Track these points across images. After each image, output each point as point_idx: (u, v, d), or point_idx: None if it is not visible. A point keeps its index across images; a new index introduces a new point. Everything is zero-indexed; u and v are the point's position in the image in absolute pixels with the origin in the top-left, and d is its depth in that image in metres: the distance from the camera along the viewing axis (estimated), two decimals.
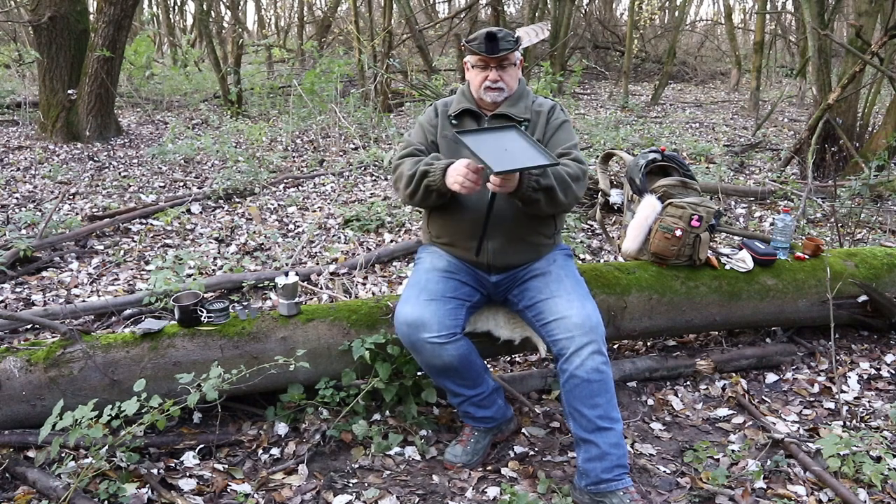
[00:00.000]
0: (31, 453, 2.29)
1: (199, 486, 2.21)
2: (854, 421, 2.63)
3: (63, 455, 2.28)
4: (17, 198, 5.46)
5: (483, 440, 2.39)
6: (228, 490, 2.21)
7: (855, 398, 2.80)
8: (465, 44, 2.28)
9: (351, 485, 2.25)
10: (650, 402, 2.78)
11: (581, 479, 2.13)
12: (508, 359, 3.06)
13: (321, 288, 3.72)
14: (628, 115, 10.27)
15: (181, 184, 6.09)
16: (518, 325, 2.48)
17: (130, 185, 5.94)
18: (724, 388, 2.85)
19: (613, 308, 2.70)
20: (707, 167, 6.65)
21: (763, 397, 2.82)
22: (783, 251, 3.05)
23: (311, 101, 8.29)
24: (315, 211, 5.26)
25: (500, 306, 2.48)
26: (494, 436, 2.44)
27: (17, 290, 3.71)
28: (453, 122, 2.36)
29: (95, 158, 6.98)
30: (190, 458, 2.34)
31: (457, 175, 2.09)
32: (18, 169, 6.38)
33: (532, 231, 2.33)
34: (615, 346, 3.14)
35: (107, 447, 2.15)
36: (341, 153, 7.30)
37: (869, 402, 2.77)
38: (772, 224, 4.42)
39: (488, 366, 2.91)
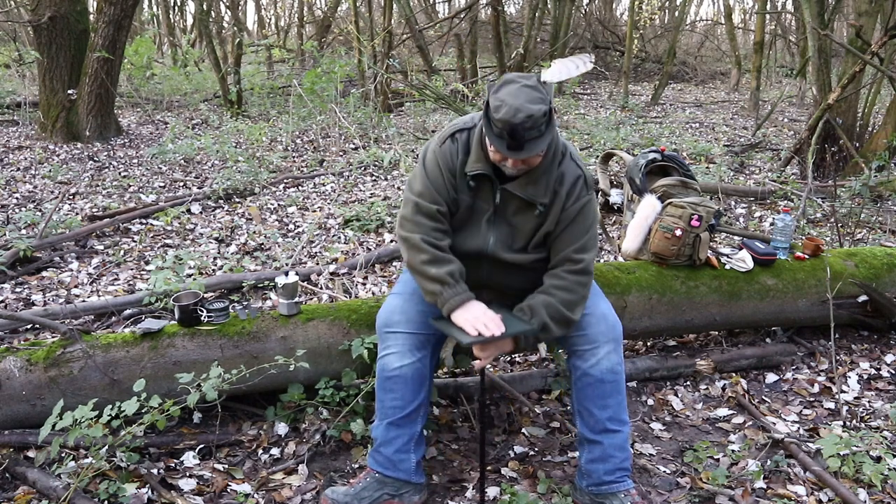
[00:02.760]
0: (31, 453, 2.29)
1: (199, 486, 2.21)
2: (854, 421, 2.63)
3: (63, 455, 2.28)
4: (17, 198, 5.46)
5: (375, 490, 2.08)
6: (228, 490, 2.21)
7: (855, 398, 2.80)
8: (484, 119, 1.89)
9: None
10: (650, 402, 2.78)
11: (582, 479, 2.13)
12: (508, 359, 3.06)
13: (321, 288, 3.72)
14: (628, 115, 10.27)
15: (181, 184, 6.09)
16: None
17: (130, 185, 5.94)
18: (724, 388, 2.85)
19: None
20: (707, 167, 6.65)
21: (763, 397, 2.82)
22: (783, 251, 3.05)
23: (311, 102, 8.29)
24: (315, 211, 5.26)
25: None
26: (391, 497, 2.10)
27: (17, 290, 3.71)
28: (470, 183, 2.02)
29: (95, 158, 6.98)
30: (190, 458, 2.34)
31: (476, 320, 1.93)
32: (18, 169, 6.38)
33: (530, 289, 2.10)
34: None
35: (107, 447, 2.15)
36: (341, 153, 7.30)
37: (869, 402, 2.77)
38: (772, 224, 4.42)
39: (491, 368, 2.89)
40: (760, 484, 2.25)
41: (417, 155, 6.61)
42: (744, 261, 2.94)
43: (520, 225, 2.06)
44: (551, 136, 1.90)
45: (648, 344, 3.16)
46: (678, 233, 2.75)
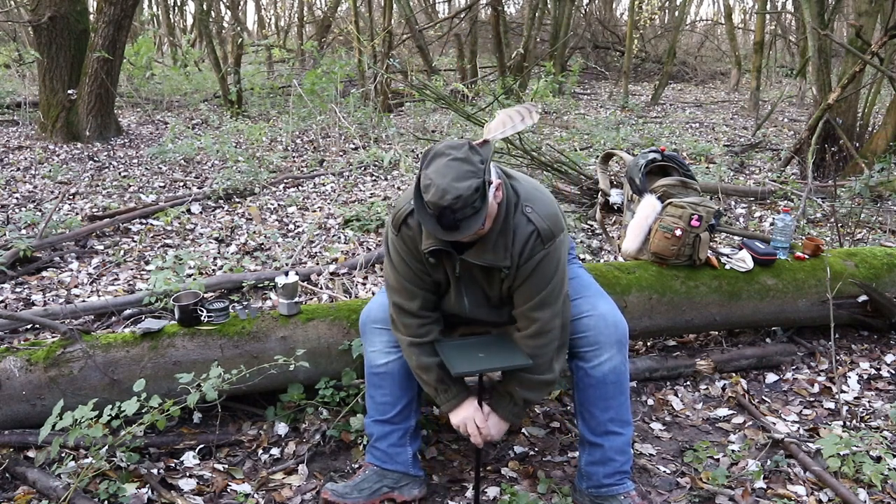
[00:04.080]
0: (31, 453, 2.29)
1: (199, 486, 2.21)
2: (854, 421, 2.63)
3: (63, 455, 2.28)
4: (17, 198, 5.46)
5: (375, 482, 2.11)
6: (228, 490, 2.21)
7: (855, 398, 2.80)
8: (416, 199, 1.76)
9: None
10: (650, 402, 2.78)
11: (582, 480, 2.13)
12: None
13: (321, 288, 3.72)
14: (628, 115, 10.27)
15: (181, 184, 6.09)
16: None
17: (130, 185, 5.93)
18: (724, 388, 2.85)
19: None
20: (707, 167, 6.65)
21: (763, 397, 2.82)
22: (783, 251, 3.05)
23: (311, 102, 8.29)
24: (315, 211, 5.26)
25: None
26: (390, 489, 2.12)
27: (17, 290, 3.71)
28: (431, 260, 1.94)
29: (95, 158, 6.98)
30: (190, 458, 2.34)
31: (465, 425, 2.03)
32: (18, 169, 6.38)
33: (512, 329, 2.12)
34: None
35: (107, 447, 2.15)
36: (341, 153, 7.30)
37: (869, 402, 2.77)
38: (772, 224, 4.42)
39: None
40: (760, 484, 2.25)
41: (417, 157, 6.61)
42: (744, 261, 2.94)
43: (488, 286, 2.01)
44: (496, 190, 1.81)
45: (648, 344, 3.16)
46: (678, 233, 2.75)
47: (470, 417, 2.01)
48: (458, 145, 1.76)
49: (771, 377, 2.95)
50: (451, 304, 2.07)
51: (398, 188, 5.84)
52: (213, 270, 4.03)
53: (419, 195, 1.74)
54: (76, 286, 3.80)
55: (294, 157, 7.19)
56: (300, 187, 5.98)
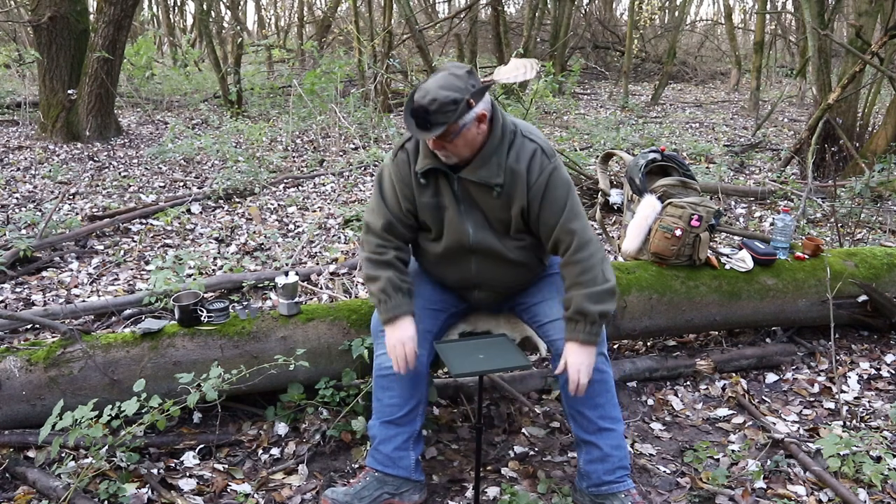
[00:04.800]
0: (31, 453, 2.29)
1: (199, 486, 2.21)
2: (854, 421, 2.63)
3: (63, 455, 2.28)
4: (17, 198, 5.46)
5: (375, 489, 2.09)
6: (228, 490, 2.21)
7: (855, 398, 2.80)
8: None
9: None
10: (650, 402, 2.78)
11: (582, 480, 2.13)
12: None
13: (321, 288, 3.72)
14: (628, 115, 10.27)
15: (181, 184, 6.09)
16: (518, 325, 2.48)
17: (130, 185, 5.94)
18: (724, 388, 2.85)
19: (614, 308, 2.69)
20: (707, 167, 6.65)
21: (763, 397, 2.82)
22: (783, 251, 3.05)
23: (311, 102, 8.29)
24: (315, 211, 5.26)
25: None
26: (391, 496, 2.11)
27: (17, 290, 3.71)
28: (422, 181, 2.05)
29: (95, 158, 6.98)
30: (190, 458, 2.34)
31: (394, 347, 2.01)
32: (18, 169, 6.38)
33: (523, 282, 2.22)
34: (615, 346, 3.14)
35: (107, 447, 2.16)
36: (341, 153, 7.30)
37: (869, 402, 2.77)
38: (772, 224, 4.42)
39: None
40: (760, 484, 2.25)
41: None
42: (744, 261, 2.94)
43: (488, 209, 2.05)
44: (481, 112, 1.91)
45: (648, 344, 3.16)
46: (678, 233, 2.75)
47: (406, 338, 2.01)
48: (461, 66, 1.92)
49: (771, 377, 2.95)
50: (454, 233, 2.08)
51: None
52: (213, 270, 4.03)
53: (411, 97, 1.90)
54: (76, 286, 3.80)
55: (294, 157, 7.19)
56: (300, 187, 5.98)
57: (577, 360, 1.97)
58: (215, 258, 4.24)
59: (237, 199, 5.54)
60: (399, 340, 2.01)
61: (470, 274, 2.16)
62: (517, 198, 2.01)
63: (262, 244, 4.51)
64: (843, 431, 2.50)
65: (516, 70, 2.01)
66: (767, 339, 3.19)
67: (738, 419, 2.66)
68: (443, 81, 1.86)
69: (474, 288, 2.20)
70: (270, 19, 21.54)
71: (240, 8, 14.26)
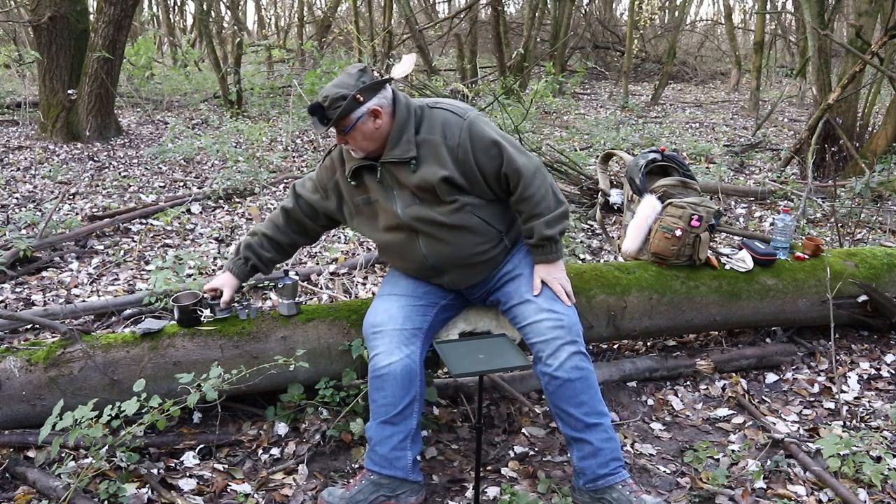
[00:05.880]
0: (31, 453, 2.29)
1: (199, 486, 2.21)
2: (854, 421, 2.63)
3: (63, 455, 2.28)
4: (17, 198, 5.46)
5: (370, 493, 2.09)
6: (228, 490, 2.21)
7: (855, 398, 2.80)
8: None
9: None
10: (650, 402, 2.78)
11: (578, 478, 2.13)
12: None
13: (321, 288, 3.72)
14: (628, 115, 10.27)
15: (181, 184, 6.09)
16: None
17: (130, 185, 5.94)
18: (724, 388, 2.85)
19: (613, 308, 2.70)
20: (707, 167, 6.65)
21: (763, 397, 2.82)
22: (783, 251, 3.05)
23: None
24: None
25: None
26: (387, 497, 2.11)
27: (17, 290, 3.71)
28: (352, 182, 2.22)
29: (95, 158, 6.98)
30: (190, 458, 2.34)
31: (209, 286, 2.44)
32: (18, 169, 6.39)
33: (479, 252, 2.21)
34: (615, 346, 3.14)
35: (107, 447, 2.16)
36: None
37: (869, 402, 2.77)
38: (772, 224, 4.42)
39: None
40: (760, 484, 2.26)
41: None
42: (744, 261, 2.94)
43: (411, 184, 2.13)
44: (374, 107, 2.07)
45: (648, 344, 3.16)
46: (678, 233, 2.75)
47: (222, 285, 2.43)
48: (357, 66, 2.12)
49: (771, 377, 2.95)
50: (386, 214, 2.20)
51: None
52: (213, 270, 4.03)
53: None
54: (76, 286, 3.80)
55: (294, 157, 7.19)
56: None
57: (551, 275, 2.19)
58: (215, 258, 4.24)
59: (237, 199, 5.54)
60: (214, 284, 2.43)
61: (422, 255, 2.20)
62: (439, 165, 2.10)
63: None
64: (843, 431, 2.50)
65: (405, 65, 2.23)
66: (767, 339, 3.19)
67: (738, 419, 2.66)
68: (337, 80, 2.08)
69: (438, 271, 2.24)
70: (270, 19, 21.56)
71: (240, 8, 14.26)
